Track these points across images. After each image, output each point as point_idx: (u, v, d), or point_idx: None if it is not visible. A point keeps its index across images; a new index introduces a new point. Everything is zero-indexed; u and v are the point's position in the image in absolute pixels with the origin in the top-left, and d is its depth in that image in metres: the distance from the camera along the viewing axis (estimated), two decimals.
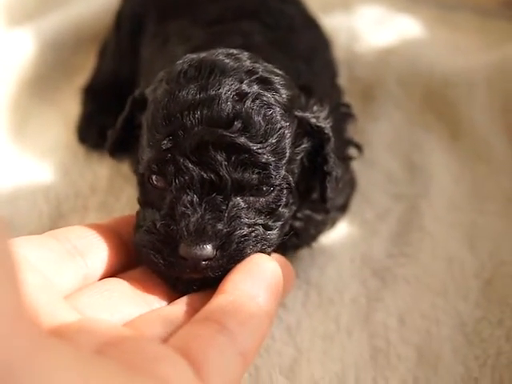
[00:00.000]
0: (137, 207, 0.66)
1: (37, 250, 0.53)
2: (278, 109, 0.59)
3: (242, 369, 0.48)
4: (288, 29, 0.80)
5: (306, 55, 0.77)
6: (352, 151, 0.76)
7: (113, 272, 0.58)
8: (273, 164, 0.58)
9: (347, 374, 0.68)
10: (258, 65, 0.61)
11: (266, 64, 0.62)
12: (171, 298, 0.57)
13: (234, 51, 0.62)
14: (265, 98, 0.58)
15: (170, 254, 0.56)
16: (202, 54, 0.61)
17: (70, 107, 0.94)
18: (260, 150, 0.57)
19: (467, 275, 0.77)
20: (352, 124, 0.77)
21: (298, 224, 0.70)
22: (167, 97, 0.58)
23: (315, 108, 0.65)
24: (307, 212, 0.70)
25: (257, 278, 0.54)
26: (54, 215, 0.82)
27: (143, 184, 0.61)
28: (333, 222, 0.77)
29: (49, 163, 0.88)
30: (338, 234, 0.80)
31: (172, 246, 0.56)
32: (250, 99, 0.57)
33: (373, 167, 0.85)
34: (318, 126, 0.63)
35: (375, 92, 0.96)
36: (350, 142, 0.76)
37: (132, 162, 0.71)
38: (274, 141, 0.58)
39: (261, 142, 0.57)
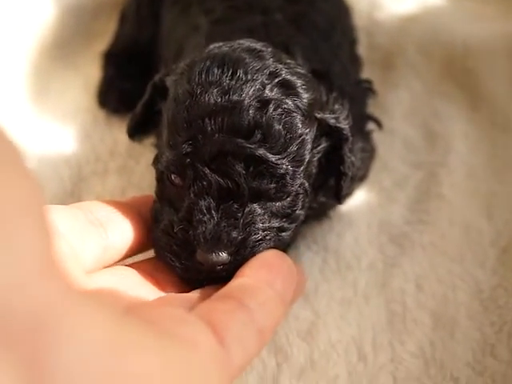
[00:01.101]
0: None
1: (63, 217, 0.54)
2: (298, 116, 0.58)
3: (260, 345, 0.49)
4: (307, 1, 0.80)
5: (326, 30, 0.76)
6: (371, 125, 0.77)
7: (131, 247, 0.59)
8: (291, 173, 0.59)
9: (364, 338, 0.69)
10: (280, 65, 0.60)
11: (288, 61, 0.62)
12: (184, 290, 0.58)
13: (257, 46, 0.61)
14: (285, 106, 0.58)
15: (186, 258, 0.57)
16: (225, 48, 0.61)
17: (91, 72, 0.95)
18: (279, 161, 0.57)
19: (484, 243, 0.78)
20: (372, 99, 0.78)
21: (312, 212, 0.70)
22: (189, 99, 0.57)
23: (336, 107, 0.64)
24: (322, 199, 0.71)
25: (274, 268, 0.55)
26: (75, 178, 0.83)
27: (162, 181, 0.61)
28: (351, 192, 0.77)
29: (70, 127, 0.89)
30: (356, 200, 0.80)
31: (189, 250, 0.57)
32: (272, 107, 0.57)
33: (392, 135, 0.86)
34: (337, 127, 0.63)
35: (395, 60, 0.95)
36: (370, 118, 0.77)
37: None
38: (293, 149, 0.58)
39: (280, 153, 0.57)
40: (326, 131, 0.63)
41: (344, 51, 0.78)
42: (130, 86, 0.91)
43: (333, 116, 0.63)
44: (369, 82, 0.77)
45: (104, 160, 0.85)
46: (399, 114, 0.90)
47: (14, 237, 0.30)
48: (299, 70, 0.61)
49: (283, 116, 0.57)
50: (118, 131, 0.89)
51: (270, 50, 0.61)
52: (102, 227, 0.56)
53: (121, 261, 0.59)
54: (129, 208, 0.60)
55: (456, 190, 0.82)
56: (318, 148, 0.62)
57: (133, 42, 0.93)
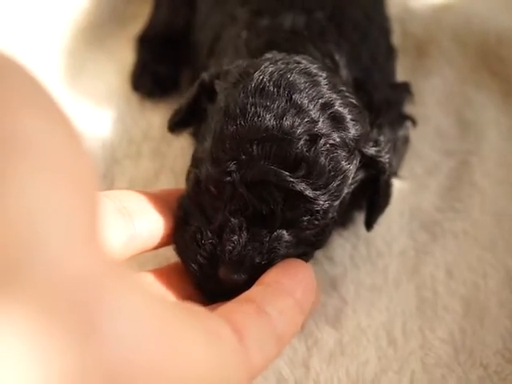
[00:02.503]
0: (188, 156, 0.68)
1: None
2: (344, 152, 0.59)
3: (277, 351, 0.50)
4: None
5: (364, 27, 0.76)
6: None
7: (158, 239, 0.60)
8: (326, 208, 0.59)
9: (394, 324, 0.69)
10: (334, 95, 0.60)
11: (342, 89, 0.61)
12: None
13: (314, 70, 0.61)
14: (333, 142, 0.58)
15: (209, 270, 0.59)
16: (281, 66, 0.60)
17: (124, 55, 0.95)
18: (318, 198, 0.58)
19: None
20: (409, 100, 0.78)
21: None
22: (240, 118, 0.57)
23: (380, 138, 0.64)
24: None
25: (296, 277, 0.56)
26: (109, 160, 0.83)
27: (197, 185, 0.62)
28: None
29: (103, 110, 0.90)
30: None
31: (213, 264, 0.58)
32: (320, 143, 0.57)
33: (424, 123, 0.85)
34: (378, 161, 0.64)
35: (428, 48, 0.95)
36: (406, 117, 0.77)
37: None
38: (334, 185, 0.59)
39: (320, 189, 0.58)
40: (366, 163, 0.63)
41: (381, 48, 0.78)
42: (163, 69, 0.92)
43: (376, 149, 0.63)
44: (406, 84, 0.77)
45: (137, 143, 0.86)
46: (432, 101, 0.89)
47: (68, 206, 0.31)
48: (351, 100, 0.61)
49: (329, 152, 0.57)
50: (151, 115, 0.89)
51: (325, 75, 0.61)
52: (130, 216, 0.57)
53: (146, 251, 0.60)
54: (157, 199, 0.61)
55: (488, 177, 0.82)
56: (356, 178, 0.63)
57: (167, 26, 0.93)
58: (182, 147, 0.83)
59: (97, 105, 0.90)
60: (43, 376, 0.27)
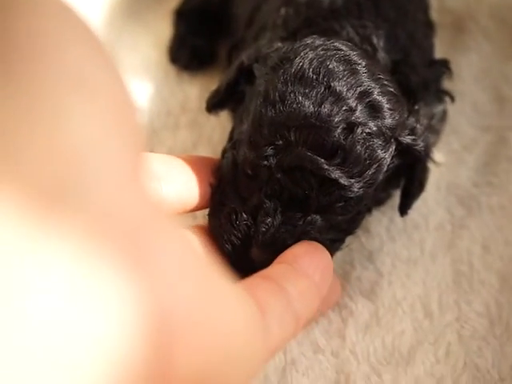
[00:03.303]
0: (226, 128, 0.69)
1: None
2: (380, 141, 0.59)
3: (294, 331, 0.50)
4: None
5: (401, 3, 0.75)
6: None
7: (187, 203, 0.61)
8: (361, 195, 0.60)
9: (430, 297, 0.70)
10: (373, 84, 0.60)
11: (380, 77, 0.61)
12: None
13: (354, 58, 0.61)
14: (370, 130, 0.58)
15: (241, 250, 0.60)
16: (321, 52, 0.60)
17: (161, 28, 0.96)
18: (353, 186, 0.58)
19: None
20: (447, 77, 0.77)
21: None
22: (279, 103, 0.58)
23: (417, 126, 0.64)
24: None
25: (315, 259, 0.56)
26: (148, 131, 0.84)
27: (234, 166, 0.62)
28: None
29: (140, 82, 0.91)
30: None
31: (246, 243, 0.59)
32: (357, 131, 0.57)
33: (461, 98, 0.85)
34: (414, 150, 0.64)
35: (466, 24, 0.94)
36: (444, 92, 0.77)
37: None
38: (370, 173, 0.59)
39: (356, 177, 0.58)
40: (402, 150, 0.63)
41: (419, 24, 0.77)
42: (201, 42, 0.92)
43: (412, 138, 0.63)
44: (445, 61, 0.77)
45: (175, 114, 0.86)
46: (469, 77, 0.89)
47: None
48: (389, 89, 0.61)
49: (366, 141, 0.58)
50: (188, 87, 0.90)
51: (364, 62, 0.61)
52: (157, 179, 0.58)
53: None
54: (187, 164, 0.62)
55: None
56: (390, 166, 0.63)
57: (205, 0, 0.93)
58: (219, 119, 0.83)
59: (134, 77, 0.91)
60: (96, 293, 0.28)
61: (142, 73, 0.92)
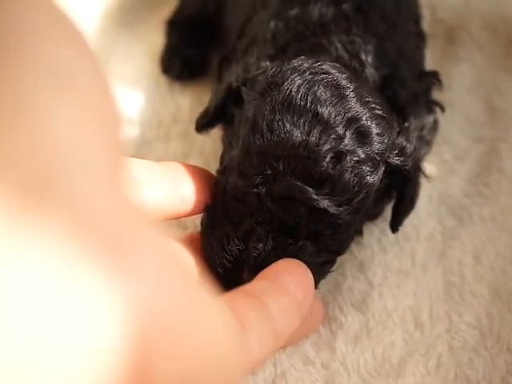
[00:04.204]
0: (217, 140, 0.71)
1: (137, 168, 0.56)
2: (368, 168, 0.59)
3: (273, 348, 0.50)
4: None
5: (392, 17, 0.75)
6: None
7: (166, 212, 0.61)
8: (349, 220, 0.60)
9: (421, 308, 0.70)
10: (361, 109, 0.60)
11: (369, 100, 0.61)
12: None
13: (342, 82, 0.61)
14: (358, 158, 0.58)
15: (233, 274, 0.60)
16: (309, 76, 0.60)
17: (154, 38, 0.96)
18: (342, 213, 0.59)
19: None
20: (437, 88, 0.77)
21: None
22: (267, 133, 0.58)
23: (406, 145, 0.64)
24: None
25: (298, 277, 0.56)
26: (139, 141, 0.84)
27: (224, 191, 0.63)
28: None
29: (132, 92, 0.91)
30: None
31: (237, 267, 0.60)
32: (345, 160, 0.57)
33: (453, 109, 0.85)
34: (403, 171, 0.64)
35: (458, 35, 0.94)
36: (434, 103, 0.77)
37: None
38: (358, 200, 0.60)
39: (345, 205, 0.59)
40: (391, 171, 0.63)
41: (409, 36, 0.76)
42: (193, 52, 0.92)
43: (401, 159, 0.63)
44: (434, 72, 0.77)
45: (166, 125, 0.86)
46: (461, 87, 0.89)
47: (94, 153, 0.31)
48: (377, 112, 0.61)
49: (354, 169, 0.58)
50: (180, 97, 0.90)
51: (352, 86, 0.61)
52: (137, 185, 0.57)
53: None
54: (168, 172, 0.62)
55: None
56: (380, 186, 0.63)
57: (198, 9, 0.93)
58: (211, 131, 0.83)
59: (126, 86, 0.91)
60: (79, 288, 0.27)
61: (134, 82, 0.92)
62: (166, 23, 0.96)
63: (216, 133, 0.78)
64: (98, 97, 0.33)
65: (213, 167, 0.74)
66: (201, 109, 0.75)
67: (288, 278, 0.55)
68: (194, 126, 0.82)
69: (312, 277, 0.58)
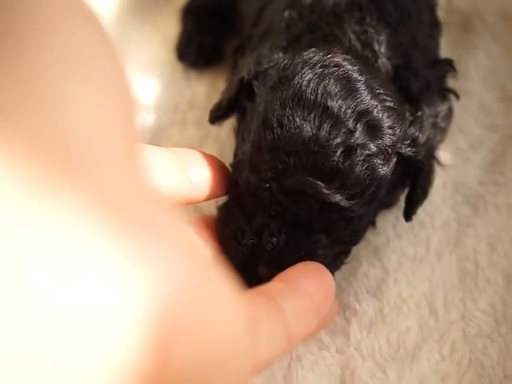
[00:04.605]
0: (233, 125, 0.71)
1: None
2: (380, 160, 0.59)
3: (284, 349, 0.50)
4: None
5: (406, 5, 0.74)
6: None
7: (178, 195, 0.61)
8: (362, 213, 0.61)
9: (435, 294, 0.70)
10: (372, 101, 0.60)
11: (380, 92, 0.62)
12: None
13: (354, 75, 0.61)
14: (369, 152, 0.59)
15: (249, 267, 0.61)
16: (319, 70, 0.60)
17: (169, 26, 0.96)
18: (353, 206, 0.59)
19: None
20: (452, 76, 0.77)
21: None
22: (278, 129, 0.58)
23: (419, 135, 0.65)
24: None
25: (317, 280, 0.56)
26: (155, 127, 0.85)
27: (238, 186, 0.64)
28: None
29: (148, 79, 0.91)
30: None
31: (253, 262, 0.61)
32: (355, 154, 0.58)
33: (468, 97, 0.85)
34: (415, 162, 0.64)
35: (473, 23, 0.94)
36: (449, 90, 0.77)
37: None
38: (370, 192, 0.60)
39: (356, 198, 0.59)
40: (404, 161, 0.64)
41: (424, 25, 0.76)
42: (209, 40, 0.92)
43: (413, 150, 0.63)
44: (449, 60, 0.77)
45: (182, 111, 0.87)
46: (476, 76, 0.89)
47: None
48: (389, 104, 0.61)
49: (365, 162, 0.58)
50: (196, 84, 0.90)
51: (363, 79, 0.61)
52: (149, 170, 0.58)
53: None
54: (175, 158, 0.62)
55: None
56: (393, 176, 0.63)
57: None
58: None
59: (142, 74, 0.91)
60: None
61: (150, 70, 0.92)
62: (182, 11, 0.96)
63: (233, 119, 0.78)
64: (114, 80, 0.33)
65: (228, 153, 0.75)
66: (216, 96, 0.76)
67: (306, 281, 0.55)
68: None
69: (332, 279, 0.58)
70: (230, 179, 0.65)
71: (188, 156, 0.63)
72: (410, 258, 0.73)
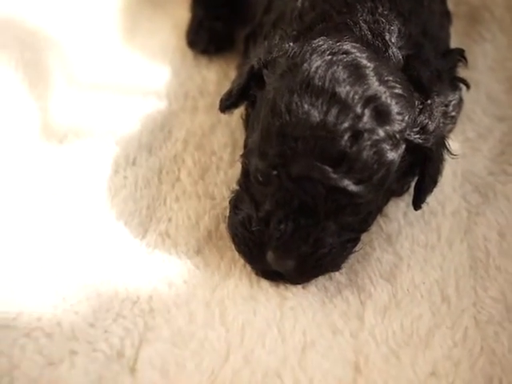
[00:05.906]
0: (243, 112, 0.70)
1: None
2: (388, 145, 0.60)
3: None
4: None
5: None
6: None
7: None
8: (370, 198, 0.62)
9: (447, 282, 0.71)
10: (380, 87, 0.61)
11: (389, 79, 0.62)
12: None
13: (362, 62, 0.62)
14: (377, 137, 0.59)
15: (258, 254, 0.63)
16: (328, 57, 0.61)
17: (179, 13, 0.96)
18: (361, 192, 0.60)
19: None
20: (462, 66, 0.78)
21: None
22: (286, 115, 0.59)
23: (428, 123, 0.65)
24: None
25: None
26: (166, 113, 0.85)
27: (247, 176, 0.65)
28: None
29: (158, 65, 0.91)
30: None
31: (261, 248, 0.62)
32: (363, 139, 0.58)
33: (476, 88, 0.86)
34: (424, 149, 0.65)
35: (481, 15, 0.95)
36: (459, 79, 0.78)
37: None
38: (378, 177, 0.60)
39: (364, 182, 0.59)
40: (413, 148, 0.64)
41: (435, 15, 0.77)
42: (219, 26, 0.92)
43: (422, 137, 0.64)
44: (459, 50, 0.77)
45: (193, 97, 0.87)
46: (484, 67, 0.90)
47: None
48: (397, 91, 0.62)
49: (373, 147, 0.59)
50: (206, 71, 0.91)
51: (372, 65, 0.62)
52: None
53: None
54: None
55: None
56: (403, 163, 0.64)
57: None
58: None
59: (152, 59, 0.91)
60: None
61: (160, 57, 0.92)
62: None
63: (242, 105, 0.78)
64: None
65: (239, 140, 0.76)
66: (227, 83, 0.76)
67: None
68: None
69: None
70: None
71: None
72: (422, 246, 0.73)
